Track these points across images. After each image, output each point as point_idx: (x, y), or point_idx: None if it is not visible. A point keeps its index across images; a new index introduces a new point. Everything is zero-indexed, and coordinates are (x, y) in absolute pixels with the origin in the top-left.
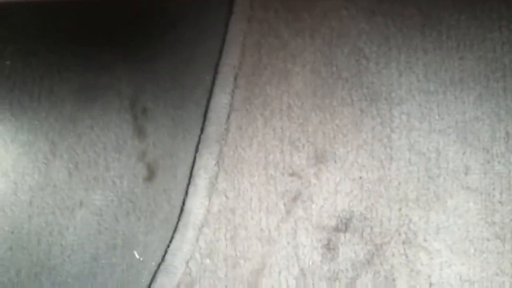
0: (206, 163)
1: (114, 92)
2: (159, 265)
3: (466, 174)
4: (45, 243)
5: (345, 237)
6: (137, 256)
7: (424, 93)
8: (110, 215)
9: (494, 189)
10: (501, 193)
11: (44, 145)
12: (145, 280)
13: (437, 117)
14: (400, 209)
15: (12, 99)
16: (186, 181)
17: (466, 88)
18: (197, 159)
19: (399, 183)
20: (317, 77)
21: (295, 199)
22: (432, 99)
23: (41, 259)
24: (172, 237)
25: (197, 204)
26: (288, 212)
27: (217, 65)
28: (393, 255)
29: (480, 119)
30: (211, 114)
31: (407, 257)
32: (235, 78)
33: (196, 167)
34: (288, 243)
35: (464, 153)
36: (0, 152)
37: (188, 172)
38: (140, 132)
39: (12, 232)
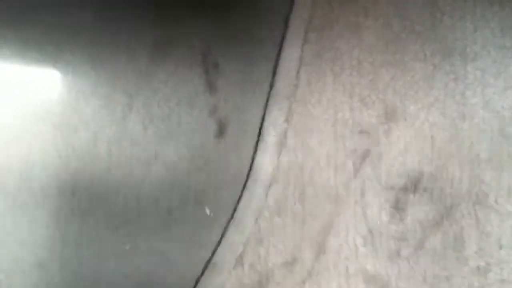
0: (276, 119)
1: (186, 47)
2: (229, 221)
3: None
4: (122, 195)
5: (414, 197)
6: (208, 213)
7: (500, 48)
8: (183, 170)
9: None
10: None
11: (122, 98)
12: (216, 235)
13: None
14: (471, 170)
15: (92, 52)
16: (255, 137)
17: None
18: (267, 115)
19: (472, 143)
20: (389, 31)
21: (363, 157)
22: (508, 55)
23: (118, 212)
24: (241, 194)
25: (266, 161)
26: (356, 170)
27: (287, 19)
28: (463, 216)
29: None
30: (281, 69)
31: (477, 218)
32: (306, 32)
33: (265, 123)
34: (356, 202)
35: None
36: (81, 104)
37: (257, 128)
38: (211, 87)
39: (92, 184)
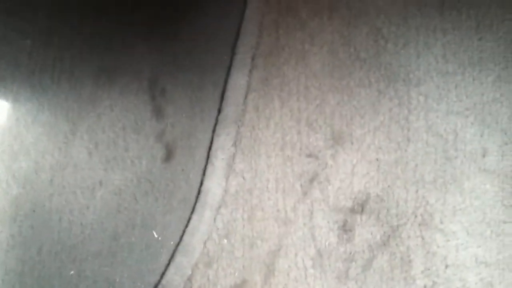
0: (224, 143)
1: (133, 73)
2: (177, 245)
3: (483, 156)
4: (66, 221)
5: (361, 218)
6: (156, 236)
7: (442, 74)
8: (129, 194)
9: (511, 171)
10: None
11: (65, 125)
12: (164, 259)
13: (455, 99)
14: (416, 191)
15: (33, 80)
16: (204, 162)
17: (485, 69)
18: (215, 139)
19: (416, 165)
20: (335, 57)
21: (311, 180)
22: (450, 80)
23: (62, 238)
24: (190, 217)
25: (214, 185)
26: (304, 193)
27: (234, 46)
28: (409, 237)
29: (498, 101)
30: (229, 95)
31: (423, 238)
32: (253, 59)
33: (213, 147)
34: (305, 224)
35: (481, 135)
36: (22, 131)
37: (206, 152)
38: (158, 113)
39: (34, 211)
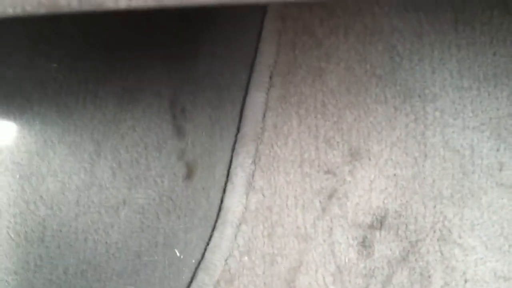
0: (243, 161)
1: (154, 93)
2: (199, 263)
3: (500, 170)
4: (91, 241)
5: (380, 234)
6: (178, 254)
7: (458, 89)
8: (152, 213)
9: None
10: None
11: (89, 145)
12: (186, 277)
13: (471, 114)
14: (434, 206)
15: (58, 102)
16: (224, 180)
17: (499, 84)
18: (234, 157)
19: (434, 180)
20: (351, 74)
21: (330, 196)
22: (466, 95)
23: (87, 257)
24: (211, 235)
25: (234, 202)
26: (323, 209)
27: (252, 64)
28: (428, 252)
29: None
30: (247, 113)
31: (442, 254)
32: (271, 77)
33: (233, 165)
34: (324, 240)
35: (498, 150)
36: (49, 153)
37: (225, 170)
38: (179, 132)
39: (60, 231)
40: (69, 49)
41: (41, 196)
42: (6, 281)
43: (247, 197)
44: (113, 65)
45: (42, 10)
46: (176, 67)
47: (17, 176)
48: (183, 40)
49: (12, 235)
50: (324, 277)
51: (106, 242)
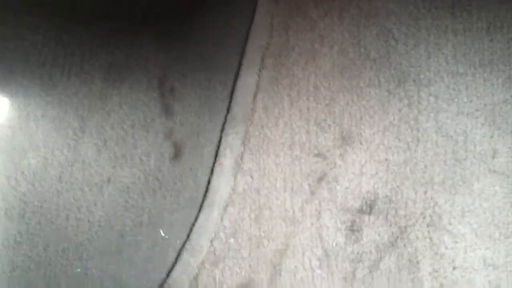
0: (232, 142)
1: (142, 71)
2: (184, 243)
3: (493, 157)
4: (73, 218)
5: (369, 219)
6: (163, 234)
7: (453, 75)
8: (137, 192)
9: None
10: None
11: (74, 121)
12: (170, 257)
13: (465, 100)
14: (425, 192)
15: (43, 74)
16: (212, 160)
17: (495, 70)
18: (223, 138)
19: (425, 166)
20: (344, 58)
21: (320, 180)
22: (461, 81)
23: (68, 235)
24: (197, 216)
25: (222, 184)
26: (312, 193)
27: (244, 46)
28: (417, 238)
29: (508, 102)
30: (238, 94)
31: (431, 240)
32: (262, 59)
33: (222, 146)
34: (312, 224)
35: (491, 136)
36: (31, 126)
37: (214, 151)
38: (167, 111)
39: (41, 207)
40: (55, 22)
41: (22, 172)
42: None
43: (235, 179)
44: (101, 39)
45: None
46: (167, 46)
47: None
48: (175, 19)
49: None
50: (310, 261)
51: (89, 220)
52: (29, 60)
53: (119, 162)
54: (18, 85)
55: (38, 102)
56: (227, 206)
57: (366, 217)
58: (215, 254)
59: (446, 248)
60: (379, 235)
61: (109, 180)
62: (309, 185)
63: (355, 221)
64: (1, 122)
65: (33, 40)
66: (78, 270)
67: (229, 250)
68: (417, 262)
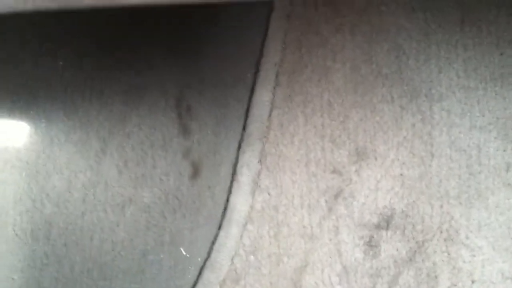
0: (249, 160)
1: (160, 92)
2: (205, 261)
3: (507, 170)
4: (97, 239)
5: (387, 234)
6: (184, 253)
7: (464, 89)
8: (158, 211)
9: None
10: None
11: (96, 143)
12: (192, 276)
13: (477, 114)
14: (441, 206)
15: (65, 100)
16: (229, 178)
17: (506, 84)
18: (240, 156)
19: (440, 180)
20: (357, 74)
21: (336, 196)
22: (472, 95)
23: (93, 255)
24: (216, 234)
25: (240, 201)
26: (329, 209)
27: (258, 63)
28: (435, 252)
29: None
30: (253, 112)
31: (449, 254)
32: (276, 76)
33: (239, 164)
34: (331, 240)
35: (505, 150)
36: (55, 151)
37: (231, 169)
38: (185, 130)
39: (67, 229)
40: (75, 47)
41: (47, 194)
42: (12, 278)
43: (253, 196)
44: (119, 63)
45: (53, 5)
46: (182, 65)
47: (23, 174)
48: (188, 38)
49: (18, 233)
50: (330, 277)
51: (112, 241)
52: (50, 86)
53: (139, 182)
54: (41, 111)
55: (60, 127)
56: (246, 223)
57: (383, 232)
58: (236, 272)
59: (464, 262)
60: (397, 250)
61: (130, 200)
62: (326, 201)
63: (373, 237)
64: (25, 147)
65: (54, 66)
66: None
67: (249, 268)
68: (436, 277)
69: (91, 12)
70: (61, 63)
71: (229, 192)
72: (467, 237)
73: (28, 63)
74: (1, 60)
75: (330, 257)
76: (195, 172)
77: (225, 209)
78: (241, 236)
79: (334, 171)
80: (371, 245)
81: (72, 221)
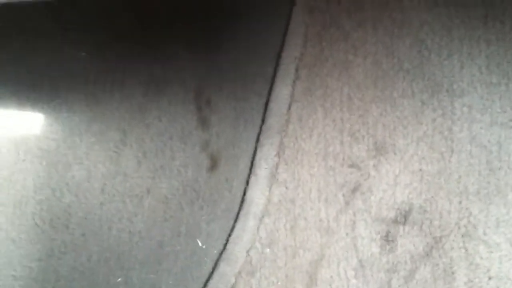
0: (267, 153)
1: (180, 84)
2: (221, 253)
3: None
4: (115, 229)
5: (404, 229)
6: (200, 244)
7: (486, 85)
8: (175, 203)
9: None
10: None
11: (115, 134)
12: (207, 267)
13: (499, 110)
14: (460, 202)
15: (86, 91)
16: (247, 171)
17: None
18: (258, 149)
19: (460, 176)
20: (378, 68)
21: (354, 190)
22: (494, 91)
23: (111, 245)
24: (233, 226)
25: (257, 194)
26: (347, 203)
27: (278, 57)
28: (452, 248)
29: None
30: (272, 105)
31: (466, 250)
32: (297, 70)
33: (257, 157)
34: (347, 234)
35: None
36: (75, 141)
37: (249, 162)
38: (204, 123)
39: (85, 218)
40: (97, 39)
41: (67, 184)
42: (31, 267)
43: (270, 189)
44: (140, 55)
45: None
46: (202, 59)
47: (44, 163)
48: (209, 31)
49: (38, 222)
50: (346, 271)
51: (130, 231)
52: (72, 77)
53: (158, 173)
54: (63, 101)
55: (81, 117)
56: (262, 216)
57: (400, 228)
58: (251, 264)
59: (481, 258)
60: (414, 245)
61: (148, 191)
62: (343, 195)
63: (389, 231)
64: (46, 136)
65: (76, 57)
66: (119, 279)
67: (265, 260)
68: (452, 273)
69: (112, 3)
70: (83, 54)
71: (247, 185)
72: (485, 233)
73: (51, 53)
74: (24, 51)
75: (346, 251)
76: (213, 164)
77: (242, 201)
78: (258, 229)
79: (352, 165)
80: (388, 240)
81: (91, 211)
